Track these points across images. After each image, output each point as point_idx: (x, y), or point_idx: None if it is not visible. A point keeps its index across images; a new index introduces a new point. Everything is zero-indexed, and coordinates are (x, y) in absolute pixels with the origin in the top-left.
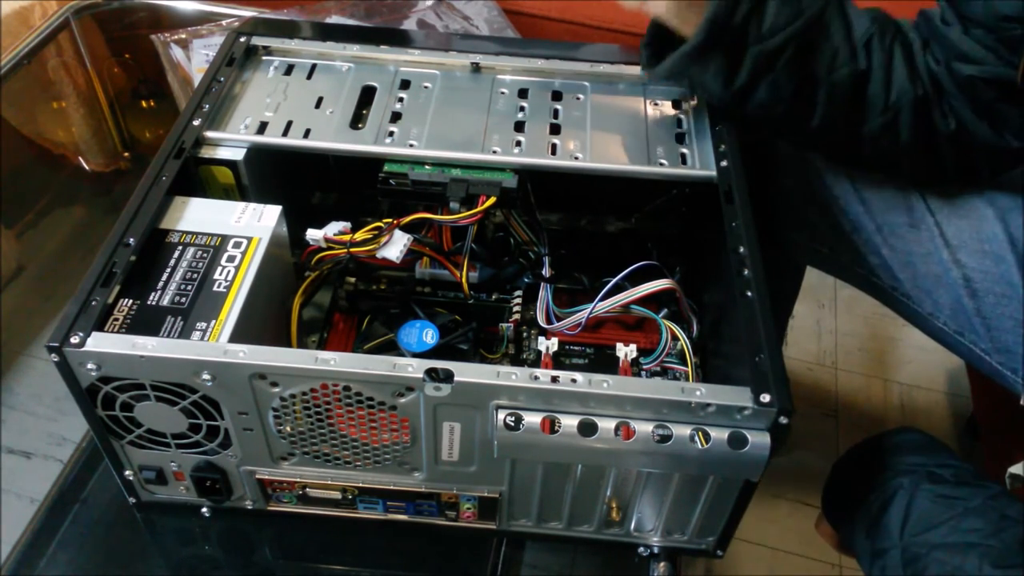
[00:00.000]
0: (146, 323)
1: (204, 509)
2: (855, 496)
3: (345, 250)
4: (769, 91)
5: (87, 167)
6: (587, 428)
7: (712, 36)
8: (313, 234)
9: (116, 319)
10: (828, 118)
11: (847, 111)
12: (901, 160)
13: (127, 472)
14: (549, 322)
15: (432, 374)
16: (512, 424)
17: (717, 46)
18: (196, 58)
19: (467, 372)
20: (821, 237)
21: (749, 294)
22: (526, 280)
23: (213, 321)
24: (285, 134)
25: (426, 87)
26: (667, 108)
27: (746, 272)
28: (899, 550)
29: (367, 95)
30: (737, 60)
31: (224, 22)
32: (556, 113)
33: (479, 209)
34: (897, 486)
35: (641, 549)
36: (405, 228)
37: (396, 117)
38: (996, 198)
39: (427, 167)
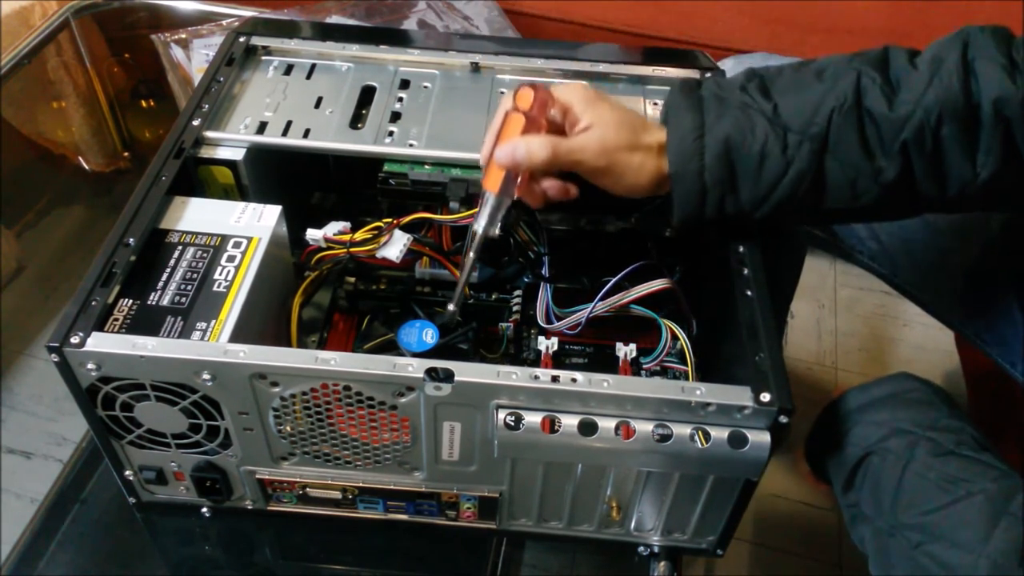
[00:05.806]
0: (146, 323)
1: (204, 509)
2: (839, 448)
3: (345, 250)
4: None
5: (87, 167)
6: (587, 428)
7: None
8: (313, 234)
9: (116, 319)
10: (880, 216)
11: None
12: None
13: (127, 472)
14: (549, 322)
15: (432, 374)
16: (512, 424)
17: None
18: (196, 58)
19: (467, 372)
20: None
21: (749, 293)
22: (526, 280)
23: (213, 321)
24: (285, 134)
25: (426, 87)
26: None
27: (746, 271)
28: (885, 524)
29: (367, 95)
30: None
31: (224, 22)
32: None
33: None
34: (887, 449)
35: (641, 548)
36: (405, 228)
37: (396, 117)
38: None
39: (427, 167)
